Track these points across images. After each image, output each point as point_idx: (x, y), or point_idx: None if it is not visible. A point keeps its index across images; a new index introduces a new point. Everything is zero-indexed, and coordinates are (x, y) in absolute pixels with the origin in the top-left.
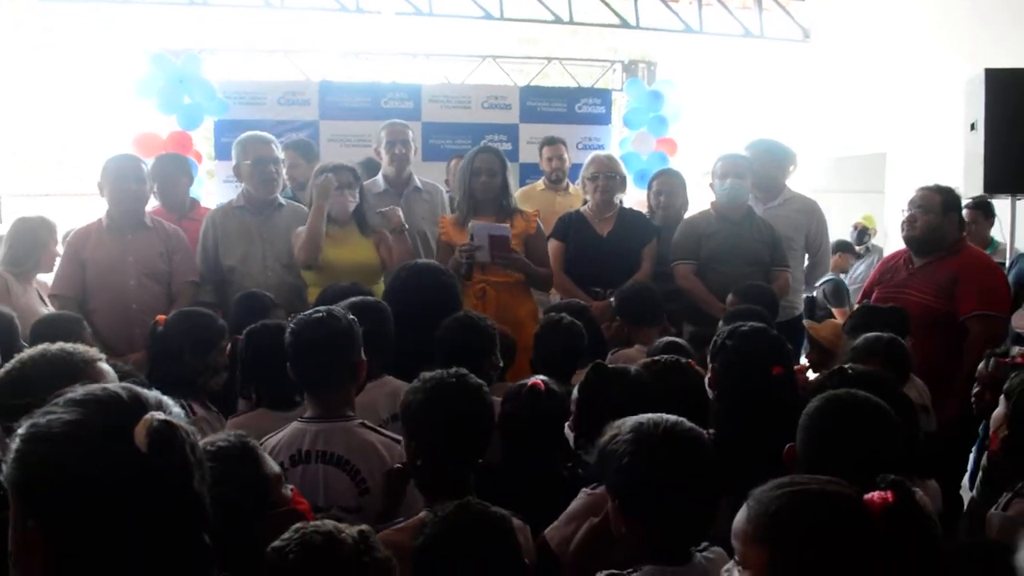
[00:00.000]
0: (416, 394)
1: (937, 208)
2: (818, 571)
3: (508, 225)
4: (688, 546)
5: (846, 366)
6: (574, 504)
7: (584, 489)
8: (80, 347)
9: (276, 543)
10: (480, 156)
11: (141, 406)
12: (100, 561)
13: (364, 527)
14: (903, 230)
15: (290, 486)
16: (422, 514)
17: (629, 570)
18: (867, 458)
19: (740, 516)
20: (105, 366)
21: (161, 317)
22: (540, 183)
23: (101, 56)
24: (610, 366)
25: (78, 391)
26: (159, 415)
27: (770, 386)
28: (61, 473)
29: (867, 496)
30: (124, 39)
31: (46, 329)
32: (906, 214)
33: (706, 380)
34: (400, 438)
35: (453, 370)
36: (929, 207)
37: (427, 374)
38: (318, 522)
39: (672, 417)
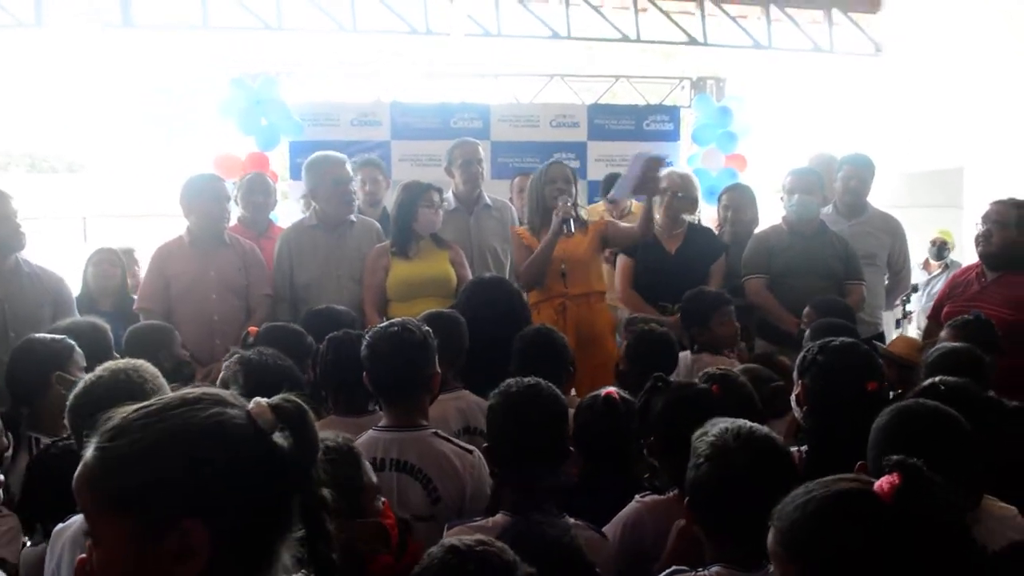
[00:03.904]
0: (496, 398)
1: (1013, 222)
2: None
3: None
4: (760, 554)
5: (937, 380)
6: (624, 510)
7: (637, 496)
8: (144, 366)
9: (452, 541)
10: (553, 167)
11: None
12: (253, 549)
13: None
14: (978, 245)
15: (382, 499)
16: (498, 517)
17: (699, 569)
18: (938, 472)
19: (770, 537)
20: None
21: (253, 328)
22: (601, 204)
23: (184, 80)
24: (672, 380)
25: (193, 391)
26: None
27: (865, 402)
28: (215, 464)
29: (876, 484)
30: (206, 63)
31: (139, 339)
32: (981, 229)
33: (793, 397)
34: (472, 448)
35: (530, 378)
36: (1005, 222)
37: (507, 381)
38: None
39: (752, 424)
